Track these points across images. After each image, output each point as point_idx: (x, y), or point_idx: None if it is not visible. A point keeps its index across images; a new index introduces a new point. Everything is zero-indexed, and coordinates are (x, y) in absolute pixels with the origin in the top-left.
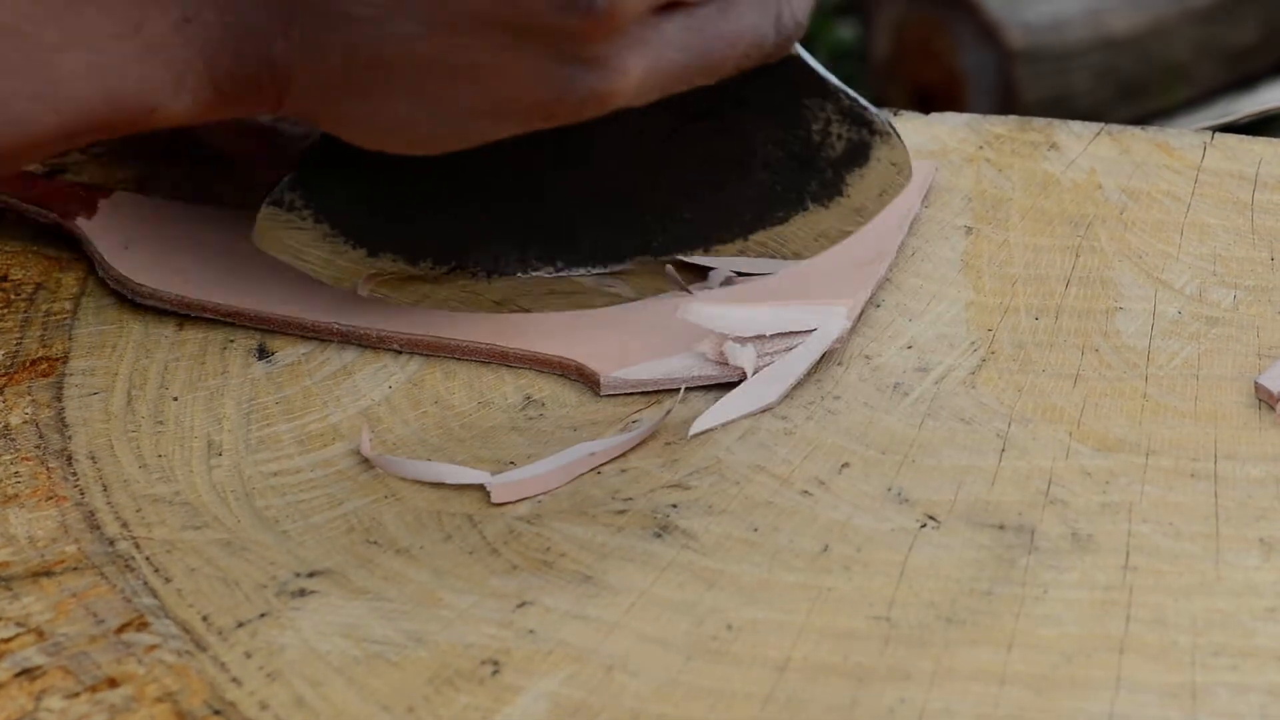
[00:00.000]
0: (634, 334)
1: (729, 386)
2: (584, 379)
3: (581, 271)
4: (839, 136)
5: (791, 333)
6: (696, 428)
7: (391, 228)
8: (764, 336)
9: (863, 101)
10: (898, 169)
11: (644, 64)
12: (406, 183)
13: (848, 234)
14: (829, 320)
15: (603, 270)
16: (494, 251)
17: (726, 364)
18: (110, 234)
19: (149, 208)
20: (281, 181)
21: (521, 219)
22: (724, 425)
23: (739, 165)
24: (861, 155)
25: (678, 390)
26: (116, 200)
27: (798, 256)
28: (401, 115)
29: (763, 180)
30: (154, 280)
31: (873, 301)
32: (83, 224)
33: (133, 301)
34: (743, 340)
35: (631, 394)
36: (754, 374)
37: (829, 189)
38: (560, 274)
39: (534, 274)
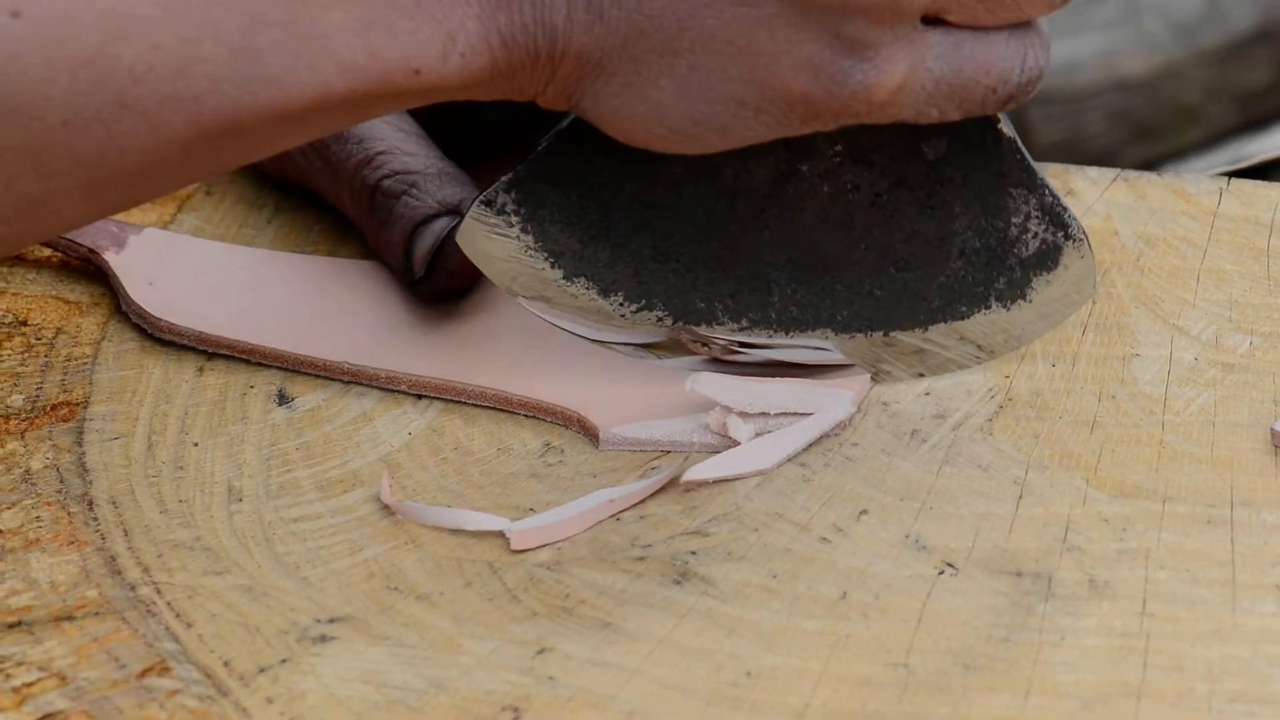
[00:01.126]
0: (643, 391)
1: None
2: (585, 431)
3: (765, 335)
4: (1035, 235)
5: (795, 413)
6: (689, 476)
7: (594, 254)
8: (767, 415)
9: (1063, 202)
10: (1084, 281)
11: (906, 66)
12: (619, 208)
13: (1030, 340)
14: (834, 405)
15: (783, 336)
16: (684, 297)
17: (726, 436)
18: (136, 269)
19: (177, 245)
20: (500, 180)
21: (719, 270)
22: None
23: (936, 248)
24: (1052, 259)
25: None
26: (146, 236)
27: (978, 356)
28: (668, 98)
29: (955, 269)
30: (174, 316)
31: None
32: (111, 258)
33: (153, 337)
34: (746, 415)
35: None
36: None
37: (1015, 289)
38: (743, 333)
39: (719, 326)
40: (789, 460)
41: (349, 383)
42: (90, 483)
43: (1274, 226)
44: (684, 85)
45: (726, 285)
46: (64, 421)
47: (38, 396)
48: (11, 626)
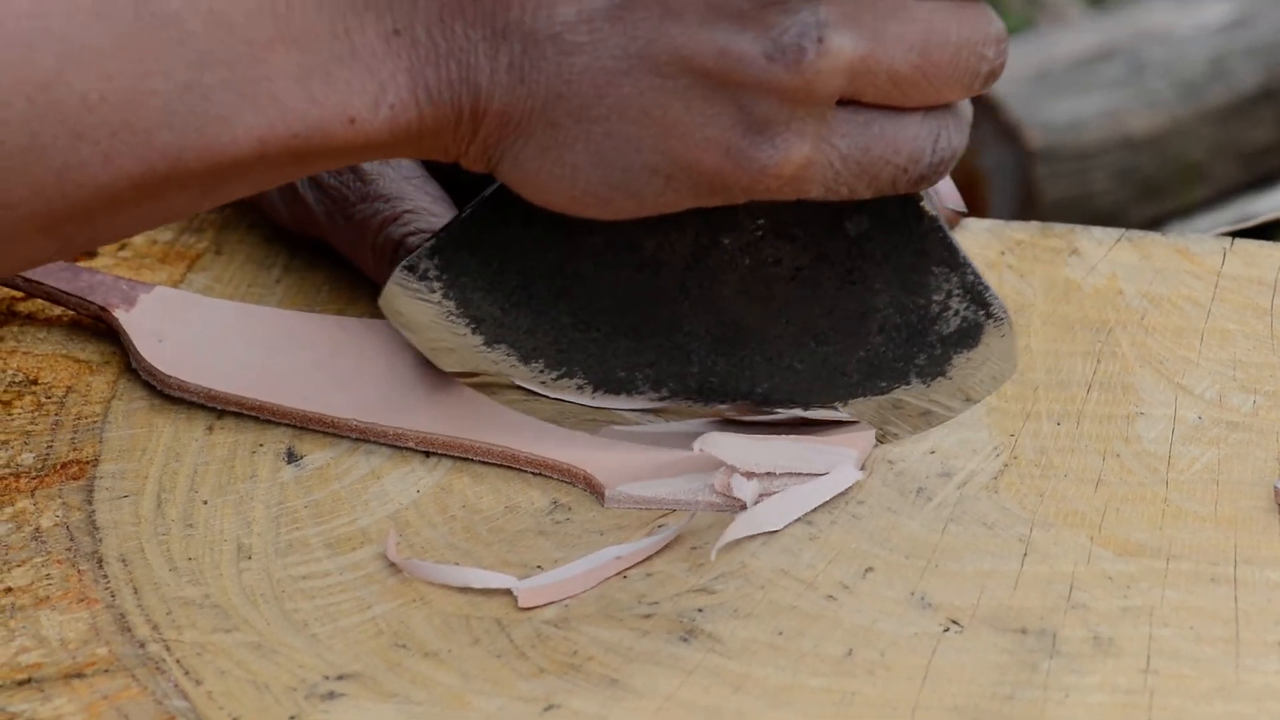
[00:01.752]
0: (650, 449)
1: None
2: (591, 489)
3: (684, 404)
4: (956, 313)
5: (799, 473)
6: (723, 540)
7: (515, 321)
8: (773, 475)
9: (985, 281)
10: (1006, 360)
11: (812, 145)
12: (541, 276)
13: (946, 418)
14: (840, 464)
15: (702, 405)
16: (604, 365)
17: (730, 496)
18: (147, 327)
19: (187, 303)
20: (422, 247)
21: (639, 339)
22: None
23: (856, 323)
24: (973, 338)
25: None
26: (157, 295)
27: (896, 437)
28: (583, 162)
29: (876, 344)
30: (183, 374)
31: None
32: (121, 315)
33: (163, 395)
34: (751, 475)
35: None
36: (756, 502)
37: (935, 366)
38: (663, 401)
39: (638, 396)
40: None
41: (358, 440)
42: (100, 540)
43: (1277, 286)
44: (599, 151)
45: (646, 354)
46: (74, 480)
47: (48, 455)
48: (21, 684)
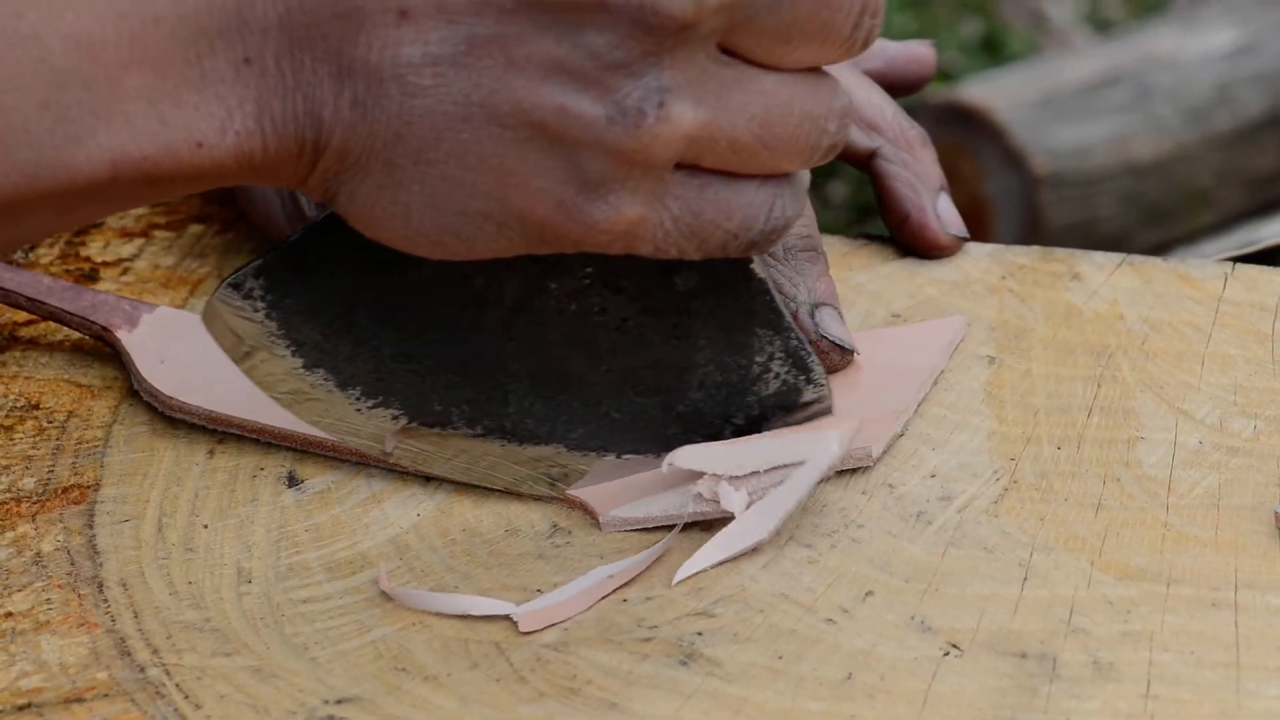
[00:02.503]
0: (627, 473)
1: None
2: (588, 515)
3: (499, 444)
4: (776, 375)
5: (784, 465)
6: (681, 574)
7: (335, 347)
8: (758, 473)
9: (808, 346)
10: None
11: (643, 206)
12: (366, 305)
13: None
14: (819, 449)
15: (516, 446)
16: (421, 397)
17: (719, 504)
18: (149, 347)
19: (190, 324)
20: (247, 266)
21: (459, 375)
22: (748, 555)
23: (677, 377)
24: (791, 401)
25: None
26: (159, 315)
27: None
28: (417, 204)
29: (695, 399)
30: (185, 395)
31: (897, 433)
32: (123, 336)
33: (165, 418)
34: (736, 480)
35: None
36: (744, 507)
37: (751, 427)
38: (478, 437)
39: (451, 430)
40: (787, 516)
41: (358, 464)
42: (101, 565)
43: (1278, 311)
44: (434, 194)
45: (465, 391)
46: (75, 504)
47: (49, 479)
48: (21, 709)
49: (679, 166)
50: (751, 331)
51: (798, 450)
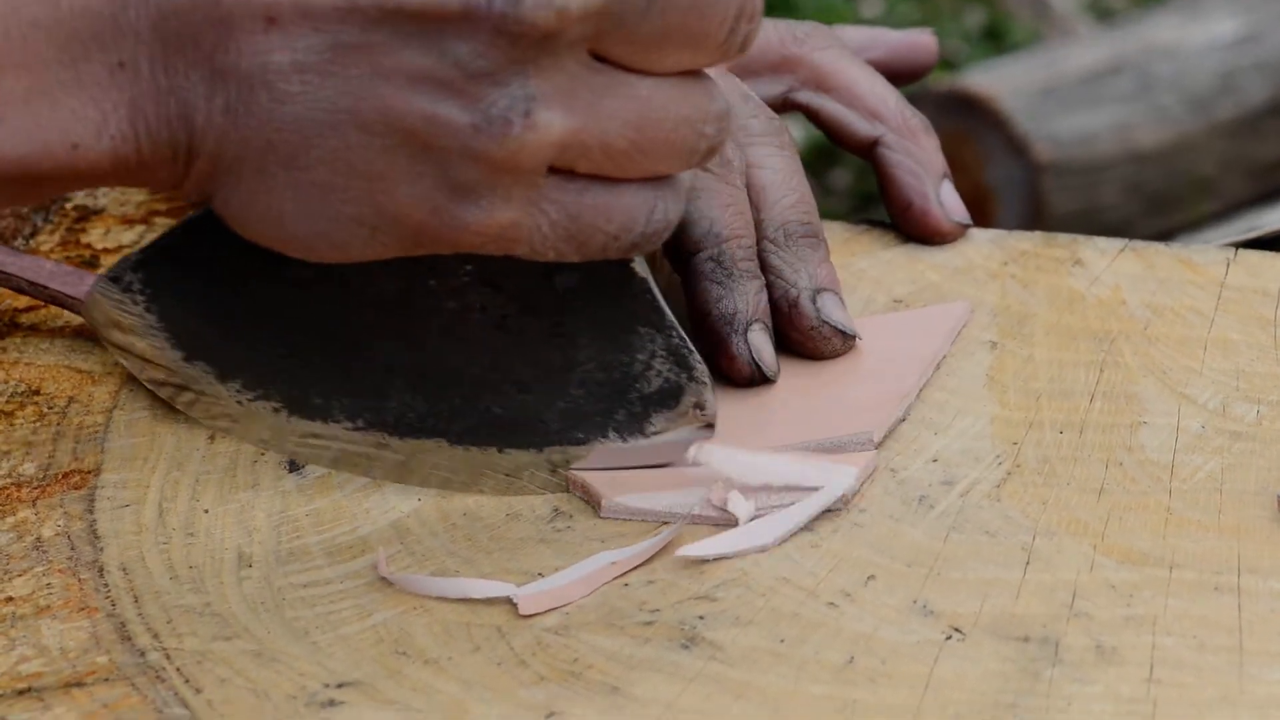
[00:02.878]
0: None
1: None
2: (588, 498)
3: (380, 436)
4: (658, 373)
5: (799, 488)
6: (684, 551)
7: (215, 339)
8: (770, 488)
9: (690, 344)
10: (703, 423)
11: (518, 211)
12: (246, 299)
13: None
14: (836, 479)
15: (397, 439)
16: (301, 391)
17: (725, 511)
18: None
19: None
20: (125, 259)
21: (338, 369)
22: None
23: (558, 374)
24: (673, 398)
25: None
26: None
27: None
28: (290, 209)
29: (575, 397)
30: None
31: (899, 418)
32: None
33: (164, 403)
34: (748, 490)
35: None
36: (750, 520)
37: (633, 424)
38: (359, 430)
39: (333, 424)
40: (791, 533)
41: None
42: (101, 549)
43: None
44: (307, 199)
45: (344, 384)
46: (75, 489)
47: (50, 465)
48: (22, 693)
49: (554, 171)
50: (633, 330)
51: (817, 476)
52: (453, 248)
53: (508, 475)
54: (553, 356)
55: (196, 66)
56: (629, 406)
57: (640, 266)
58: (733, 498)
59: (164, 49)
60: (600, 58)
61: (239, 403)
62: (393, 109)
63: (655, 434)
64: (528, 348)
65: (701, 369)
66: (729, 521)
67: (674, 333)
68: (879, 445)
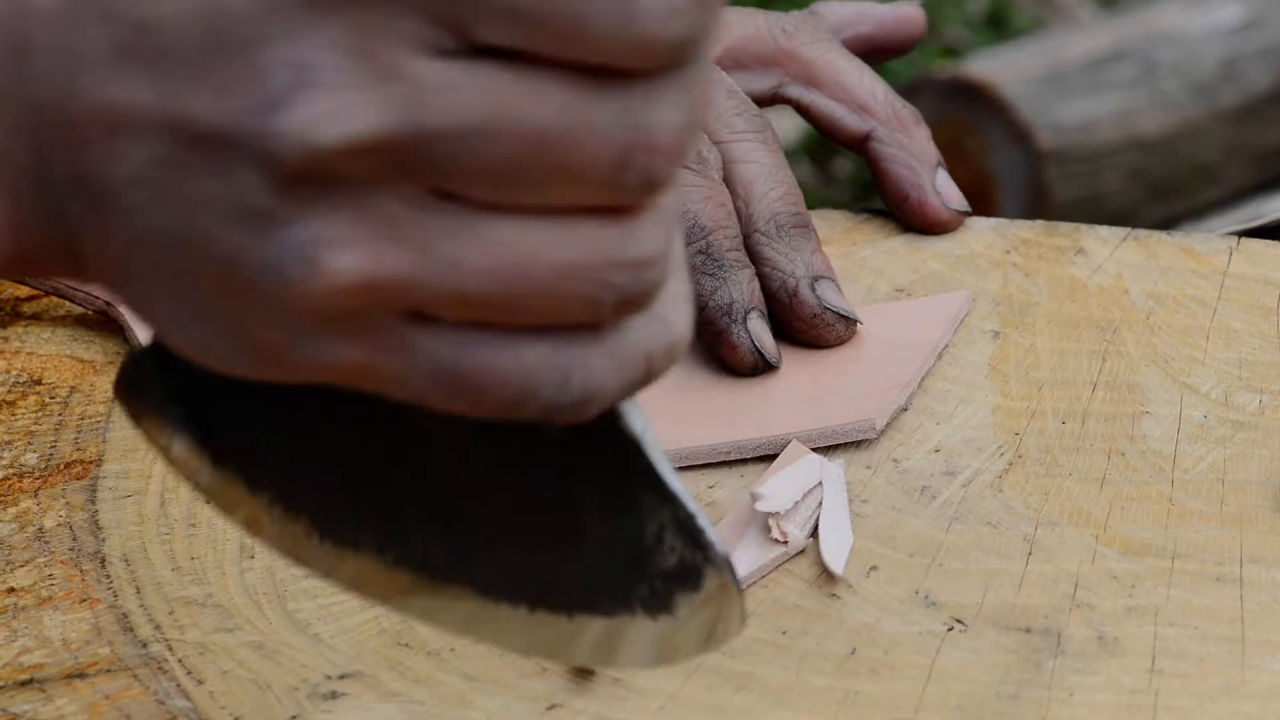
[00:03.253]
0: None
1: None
2: None
3: (410, 575)
4: (672, 549)
5: (810, 489)
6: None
7: (236, 439)
8: (798, 500)
9: (703, 521)
10: (732, 609)
11: (363, 355)
12: (264, 398)
13: (686, 657)
14: (828, 470)
15: (428, 581)
16: (330, 514)
17: (786, 541)
18: None
19: None
20: (139, 349)
21: (359, 494)
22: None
23: (569, 531)
24: (693, 579)
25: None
26: None
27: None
28: (178, 315)
29: (593, 560)
30: None
31: (900, 406)
32: (127, 312)
33: None
34: (792, 514)
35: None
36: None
37: (658, 602)
38: (389, 566)
39: (364, 555)
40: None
41: None
42: (103, 540)
43: None
44: (186, 309)
45: (368, 514)
46: (77, 480)
47: (51, 455)
48: (24, 684)
49: (420, 316)
50: (636, 495)
51: (813, 473)
52: (329, 379)
53: (547, 641)
54: (559, 515)
55: (61, 164)
56: (650, 582)
57: (633, 420)
58: (790, 530)
59: (39, 141)
60: (451, 194)
61: (271, 519)
62: (210, 238)
63: (685, 619)
64: (531, 495)
65: (717, 550)
66: (792, 553)
67: (679, 505)
68: (880, 432)
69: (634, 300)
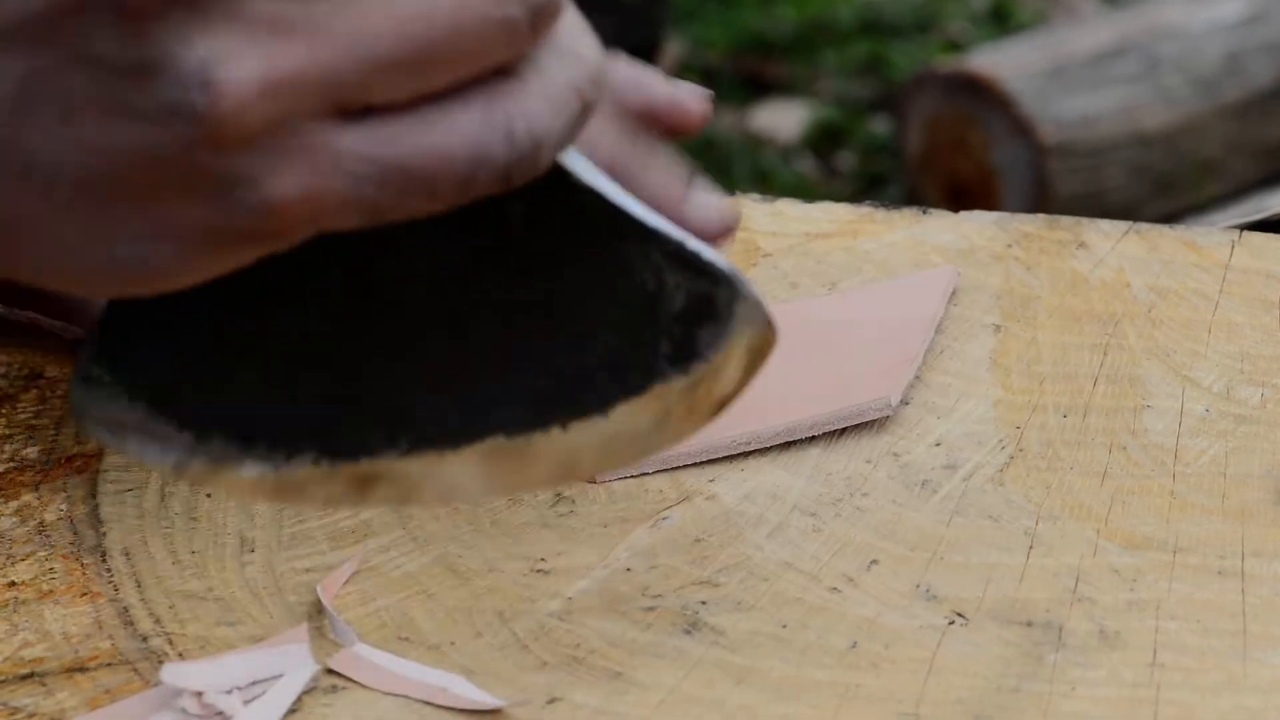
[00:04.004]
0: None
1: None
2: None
3: (434, 454)
4: (677, 286)
5: (263, 680)
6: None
7: (211, 401)
8: (239, 688)
9: (694, 244)
10: (759, 323)
11: (303, 180)
12: (214, 339)
13: (736, 392)
14: (296, 664)
15: (453, 451)
16: (328, 430)
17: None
18: None
19: None
20: (82, 354)
21: (347, 390)
22: (752, 524)
23: (569, 326)
24: (709, 309)
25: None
26: None
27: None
28: (72, 242)
29: (609, 342)
30: None
31: (902, 399)
32: None
33: None
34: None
35: (634, 478)
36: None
37: (684, 351)
38: (410, 454)
39: (381, 456)
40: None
41: None
42: (104, 534)
43: None
44: (86, 230)
45: (363, 408)
46: (78, 474)
47: (52, 449)
48: (24, 678)
49: (337, 118)
50: (617, 247)
51: (274, 665)
52: (268, 240)
53: (602, 447)
54: (551, 311)
55: None
56: (668, 333)
57: (579, 171)
58: (218, 698)
59: None
60: None
61: (275, 469)
62: (100, 130)
63: (715, 355)
64: (517, 304)
65: (717, 264)
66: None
67: (664, 238)
68: (895, 407)
69: (546, 9)
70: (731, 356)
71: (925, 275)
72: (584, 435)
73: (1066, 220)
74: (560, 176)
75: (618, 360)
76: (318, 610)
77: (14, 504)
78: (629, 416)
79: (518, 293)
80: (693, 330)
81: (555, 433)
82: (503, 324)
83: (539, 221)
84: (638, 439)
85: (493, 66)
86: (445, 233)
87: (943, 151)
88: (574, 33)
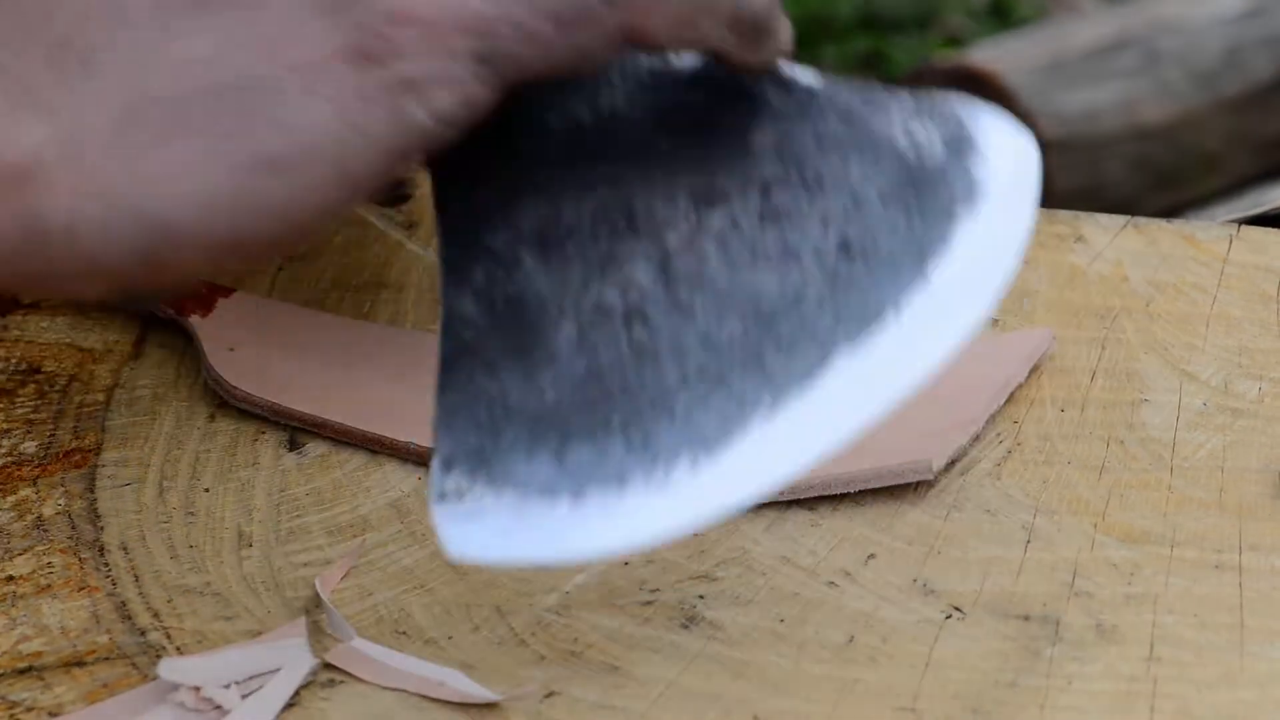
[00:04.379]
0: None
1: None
2: None
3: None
4: (927, 133)
5: (260, 674)
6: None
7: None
8: (237, 682)
9: (919, 92)
10: (1022, 145)
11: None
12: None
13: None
14: (294, 658)
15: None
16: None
17: (216, 707)
18: (220, 335)
19: (265, 311)
20: (432, 469)
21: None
22: (749, 518)
23: (856, 228)
24: (968, 144)
25: None
26: (235, 301)
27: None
28: (188, 164)
29: (893, 218)
30: (251, 386)
31: (962, 446)
32: (196, 321)
33: (165, 382)
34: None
35: None
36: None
37: (969, 193)
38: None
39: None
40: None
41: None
42: (102, 529)
43: None
44: (202, 151)
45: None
46: (76, 468)
47: (50, 443)
48: (22, 672)
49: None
50: (868, 128)
51: (269, 659)
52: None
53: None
54: (839, 214)
55: (38, 45)
56: (943, 183)
57: (803, 75)
58: (214, 692)
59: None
60: None
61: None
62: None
63: (996, 188)
64: (813, 223)
65: (958, 99)
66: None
67: (900, 96)
68: (937, 474)
69: None
70: (1017, 183)
71: (1019, 336)
72: (887, 350)
73: (1065, 214)
74: (779, 81)
75: (911, 245)
76: (315, 604)
77: (12, 498)
78: (910, 320)
79: (807, 214)
80: (967, 169)
81: (848, 348)
82: (806, 254)
83: (792, 137)
84: (925, 348)
85: None
86: (705, 185)
87: None
88: None
